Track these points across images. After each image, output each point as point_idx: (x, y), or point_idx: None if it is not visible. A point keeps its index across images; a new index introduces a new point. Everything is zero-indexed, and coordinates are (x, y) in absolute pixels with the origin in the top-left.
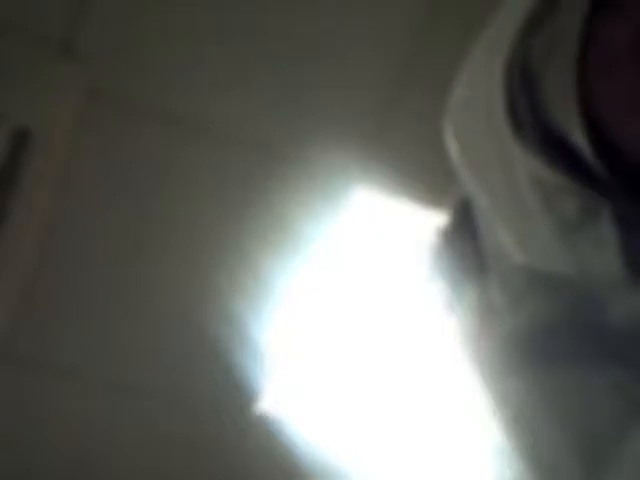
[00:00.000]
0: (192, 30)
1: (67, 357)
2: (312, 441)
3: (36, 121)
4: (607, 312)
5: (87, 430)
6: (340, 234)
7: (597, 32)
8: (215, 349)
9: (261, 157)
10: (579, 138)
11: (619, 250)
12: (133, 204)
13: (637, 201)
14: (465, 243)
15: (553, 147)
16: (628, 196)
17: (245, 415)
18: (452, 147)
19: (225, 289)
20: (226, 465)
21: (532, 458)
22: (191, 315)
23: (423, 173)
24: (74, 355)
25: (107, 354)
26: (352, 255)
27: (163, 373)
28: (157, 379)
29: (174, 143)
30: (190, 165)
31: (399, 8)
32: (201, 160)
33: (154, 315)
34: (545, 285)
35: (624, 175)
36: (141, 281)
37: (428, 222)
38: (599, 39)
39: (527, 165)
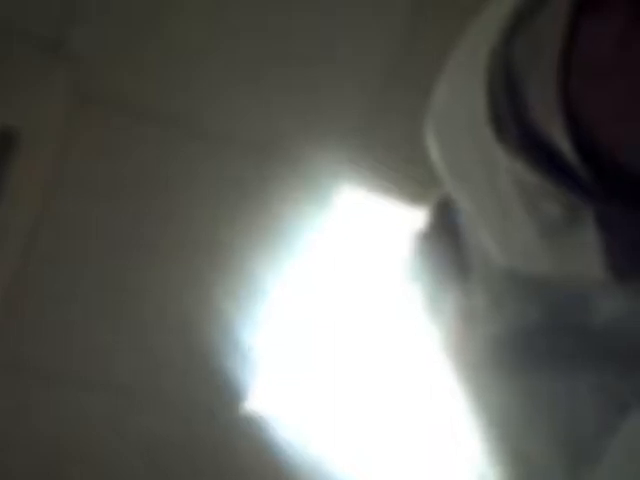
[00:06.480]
0: (190, 30)
1: (56, 360)
2: (300, 440)
3: (26, 121)
4: (590, 314)
5: (78, 431)
6: (330, 233)
7: (585, 31)
8: (204, 349)
9: (254, 157)
10: (562, 141)
11: (602, 253)
12: (126, 205)
13: (621, 204)
14: (445, 243)
15: (536, 150)
16: (612, 199)
17: (233, 415)
18: (433, 149)
19: (215, 288)
20: (215, 464)
21: (516, 460)
22: (182, 315)
23: (414, 172)
24: (64, 358)
25: (99, 355)
26: (342, 254)
27: (154, 373)
28: (151, 379)
29: (167, 143)
30: (183, 165)
31: (388, 8)
32: (194, 160)
33: (146, 315)
34: (527, 287)
35: (607, 178)
36: (133, 281)
37: (418, 221)
38: (586, 39)
39: (509, 168)
